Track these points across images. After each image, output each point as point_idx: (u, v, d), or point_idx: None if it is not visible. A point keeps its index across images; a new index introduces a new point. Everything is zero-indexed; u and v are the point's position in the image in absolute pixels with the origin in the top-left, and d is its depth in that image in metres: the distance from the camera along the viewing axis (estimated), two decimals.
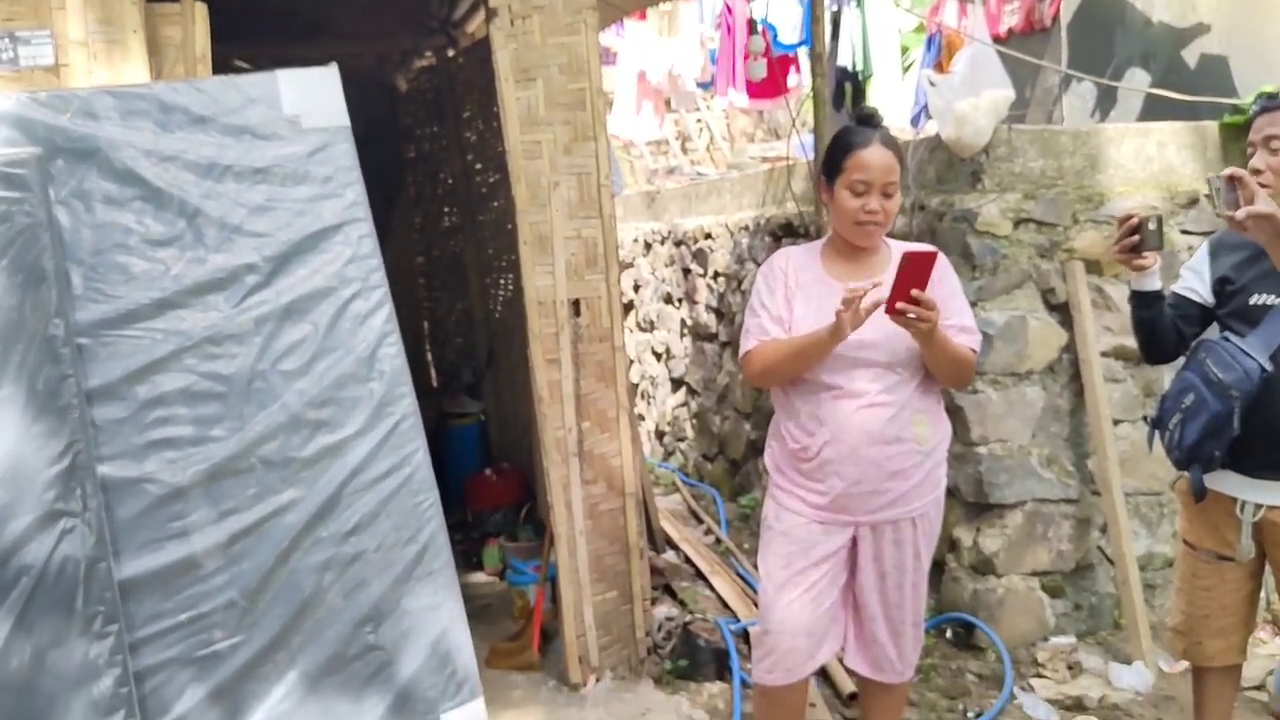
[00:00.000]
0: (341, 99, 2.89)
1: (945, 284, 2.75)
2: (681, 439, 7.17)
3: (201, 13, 3.12)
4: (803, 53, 7.93)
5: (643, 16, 9.86)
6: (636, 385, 8.10)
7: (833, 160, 2.69)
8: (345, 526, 2.76)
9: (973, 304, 3.93)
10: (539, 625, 3.69)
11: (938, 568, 4.15)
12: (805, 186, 5.42)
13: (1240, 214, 2.13)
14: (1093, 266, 4.00)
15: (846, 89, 7.68)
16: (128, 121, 2.66)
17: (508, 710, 3.46)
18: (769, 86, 8.08)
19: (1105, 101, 4.49)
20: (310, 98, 2.86)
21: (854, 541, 2.72)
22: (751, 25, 7.37)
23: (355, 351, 2.82)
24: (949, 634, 3.98)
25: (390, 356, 2.88)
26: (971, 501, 3.96)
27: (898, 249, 2.79)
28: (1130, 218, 2.45)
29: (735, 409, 6.19)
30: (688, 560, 4.88)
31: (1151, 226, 2.44)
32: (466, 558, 5.14)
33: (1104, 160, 4.07)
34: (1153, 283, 2.59)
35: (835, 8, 7.50)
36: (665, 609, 3.87)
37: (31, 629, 2.40)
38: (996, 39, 4.75)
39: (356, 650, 2.77)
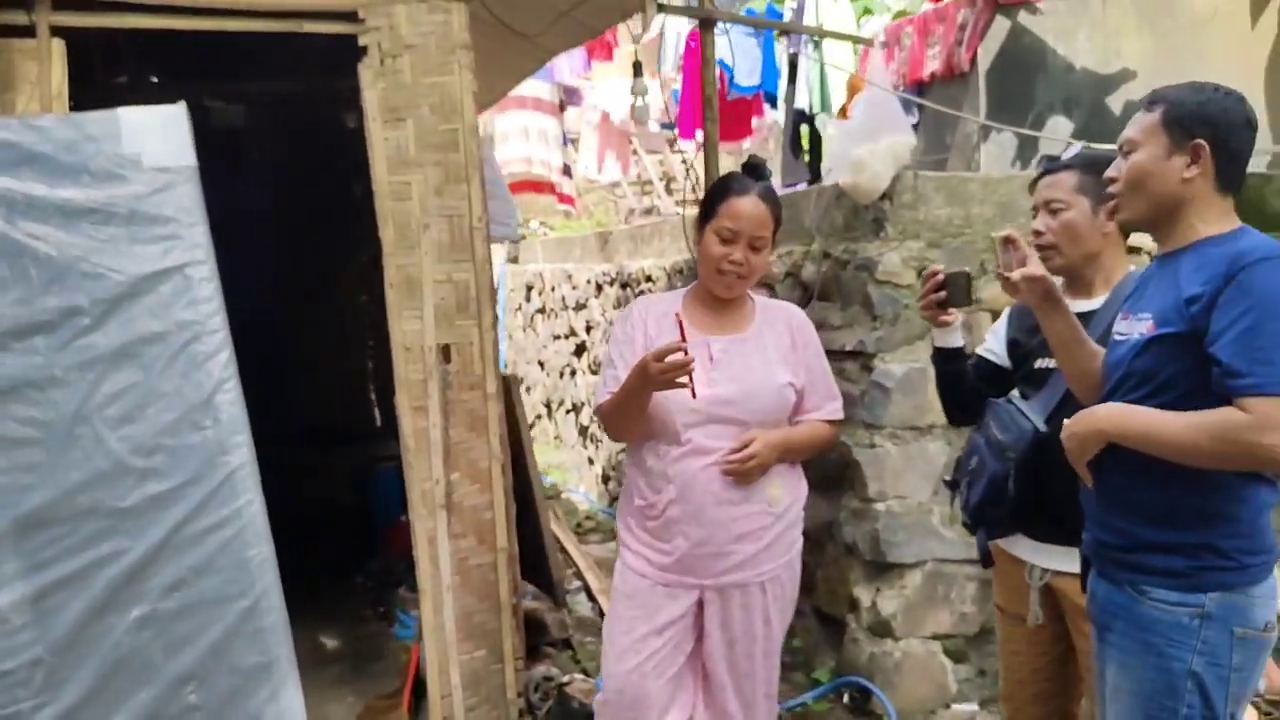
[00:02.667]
0: (188, 138, 2.84)
1: (809, 346, 2.70)
2: None
3: (59, 49, 3.07)
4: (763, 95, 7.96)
5: (609, 57, 9.88)
6: (586, 427, 8.01)
7: (708, 204, 2.65)
8: (169, 580, 2.69)
9: (871, 355, 3.87)
10: (411, 683, 3.58)
11: (838, 628, 4.04)
12: None
13: (1014, 275, 2.15)
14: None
15: (803, 131, 7.68)
16: None
17: None
18: (731, 128, 8.06)
19: (1027, 150, 4.43)
20: (153, 137, 2.81)
21: (701, 606, 2.62)
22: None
23: (189, 397, 2.76)
24: (845, 699, 3.86)
25: (228, 403, 2.81)
26: (870, 560, 3.86)
27: (763, 306, 2.73)
28: (936, 274, 2.41)
29: None
30: (602, 614, 4.77)
31: (960, 284, 2.39)
32: (375, 607, 5.05)
33: (1016, 208, 4.00)
34: (954, 339, 2.56)
35: (793, 50, 7.50)
36: (545, 667, 3.75)
37: None
38: (919, 83, 4.71)
39: (175, 712, 2.68)
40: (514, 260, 11.72)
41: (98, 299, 2.69)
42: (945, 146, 4.76)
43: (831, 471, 4.08)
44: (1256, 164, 2.77)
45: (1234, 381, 1.79)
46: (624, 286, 7.14)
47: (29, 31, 3.05)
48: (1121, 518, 2.03)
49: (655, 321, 2.65)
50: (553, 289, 9.12)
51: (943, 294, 2.45)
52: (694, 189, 12.05)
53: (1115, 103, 4.50)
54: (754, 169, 2.65)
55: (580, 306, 8.13)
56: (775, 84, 7.89)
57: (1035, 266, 2.21)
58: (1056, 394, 2.42)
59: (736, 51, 7.59)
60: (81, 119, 2.77)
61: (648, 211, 12.48)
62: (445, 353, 3.34)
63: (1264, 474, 1.94)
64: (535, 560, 4.45)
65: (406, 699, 3.59)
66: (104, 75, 5.06)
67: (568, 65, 9.84)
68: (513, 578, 3.47)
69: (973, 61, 4.42)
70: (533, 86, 9.47)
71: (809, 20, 7.02)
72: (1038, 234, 2.44)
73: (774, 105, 8.23)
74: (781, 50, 7.77)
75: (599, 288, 7.76)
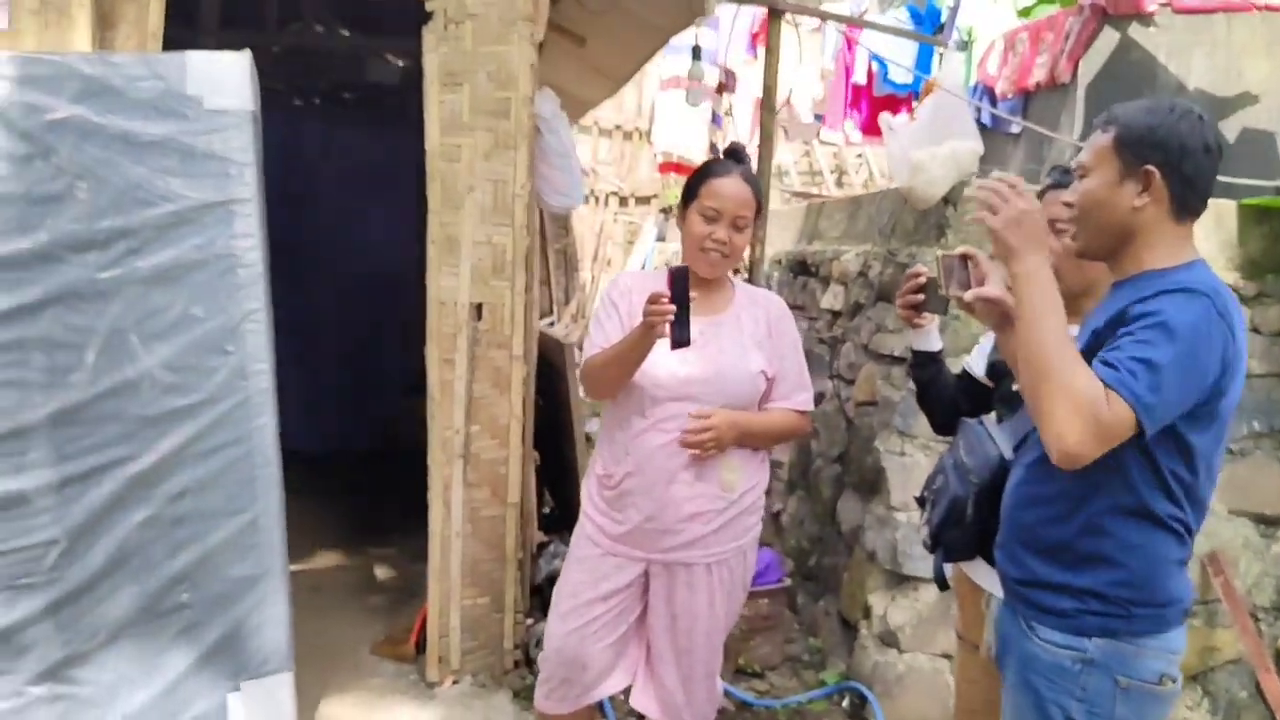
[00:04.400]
0: (248, 85, 3.07)
1: (785, 336, 2.73)
2: None
3: None
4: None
5: (766, 44, 9.85)
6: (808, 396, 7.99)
7: (691, 186, 2.71)
8: (176, 488, 2.95)
9: None
10: (421, 623, 3.77)
11: (853, 633, 4.00)
12: (831, 223, 5.31)
13: (969, 295, 2.02)
14: None
15: None
16: (35, 85, 2.89)
17: (358, 693, 3.56)
18: (876, 123, 7.94)
19: None
20: (216, 81, 3.04)
21: (648, 579, 2.68)
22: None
23: (218, 323, 3.00)
24: (845, 703, 3.83)
25: (253, 332, 3.04)
26: (887, 569, 3.80)
27: (744, 292, 2.76)
28: (918, 275, 2.35)
29: None
30: None
31: (935, 291, 2.32)
32: None
33: None
34: (929, 343, 2.51)
35: (941, 52, 7.30)
36: None
37: None
38: (1025, 91, 4.52)
39: (168, 606, 2.94)
40: (662, 239, 11.86)
41: (147, 224, 2.95)
42: (1043, 158, 4.57)
43: (868, 475, 4.03)
44: None
45: (1109, 373, 1.72)
46: (735, 273, 7.14)
47: None
48: (1022, 548, 1.98)
49: (637, 295, 2.71)
50: None
51: (921, 296, 2.41)
52: (866, 184, 11.79)
53: (1231, 129, 4.19)
54: (734, 154, 2.73)
55: None
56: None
57: (993, 288, 2.13)
58: (1028, 421, 2.35)
59: (892, 50, 7.47)
60: (153, 59, 3.04)
61: (805, 199, 12.38)
62: (478, 310, 3.48)
63: (1168, 524, 1.85)
64: (571, 523, 4.57)
65: (414, 636, 3.78)
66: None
67: (728, 47, 9.85)
68: (523, 534, 3.60)
69: (1074, 72, 4.22)
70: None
71: (963, 19, 6.83)
72: None
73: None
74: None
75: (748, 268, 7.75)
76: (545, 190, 3.93)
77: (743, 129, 10.33)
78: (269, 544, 3.02)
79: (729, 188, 2.62)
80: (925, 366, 2.56)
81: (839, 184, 13.33)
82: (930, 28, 7.71)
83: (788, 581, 4.40)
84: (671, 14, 4.20)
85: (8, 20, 3.22)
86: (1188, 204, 1.88)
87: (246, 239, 3.04)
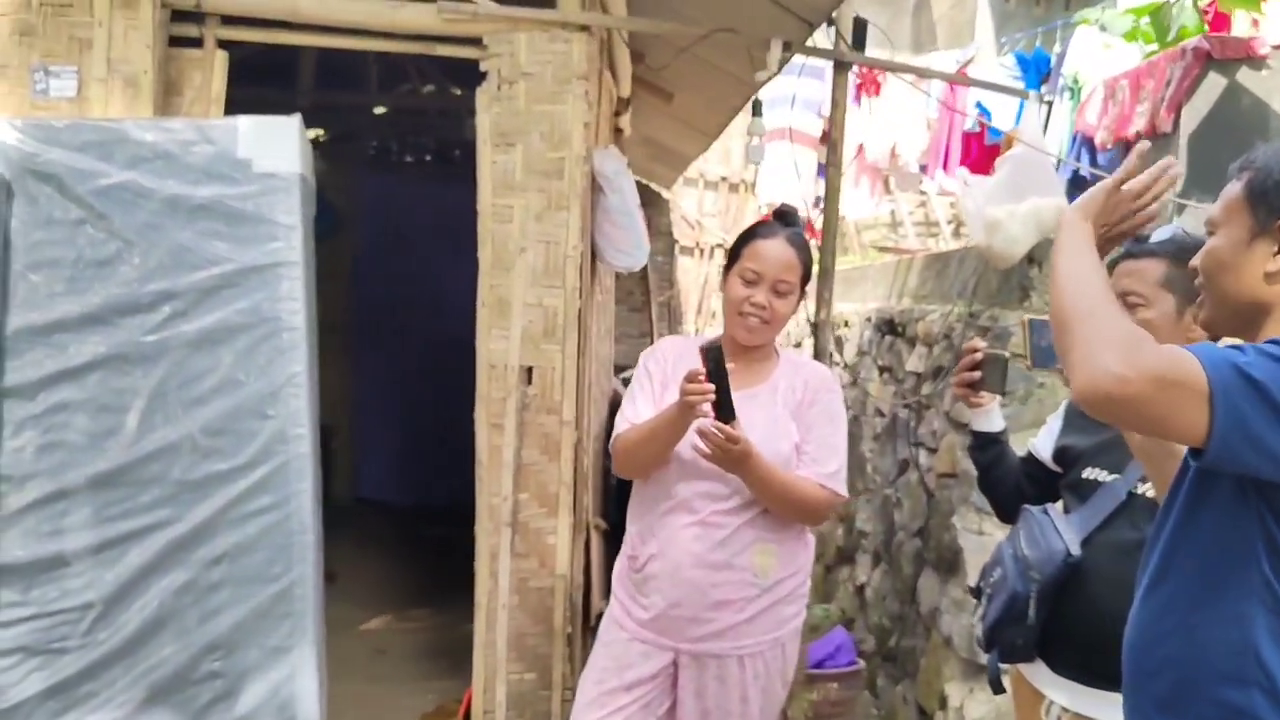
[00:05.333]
0: (297, 148, 3.08)
1: (818, 405, 2.55)
2: None
3: (222, 60, 3.43)
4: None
5: (877, 93, 9.68)
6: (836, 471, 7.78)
7: (734, 248, 2.59)
8: (214, 553, 2.92)
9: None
10: (469, 699, 3.66)
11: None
12: (920, 280, 5.08)
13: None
14: None
15: None
16: (91, 151, 2.97)
17: None
18: (984, 169, 7.70)
19: None
20: (265, 144, 3.06)
21: (677, 671, 2.52)
22: None
23: (259, 387, 2.99)
24: None
25: (294, 397, 3.01)
26: (965, 658, 3.52)
27: (788, 363, 2.60)
28: (975, 350, 2.16)
29: (836, 510, 5.85)
30: None
31: (997, 369, 2.14)
32: None
33: None
34: (991, 423, 2.29)
35: (1048, 99, 7.02)
36: None
37: None
38: (1123, 140, 4.24)
39: (200, 675, 2.91)
40: None
41: (193, 287, 2.97)
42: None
43: (946, 554, 3.78)
44: None
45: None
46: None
47: (197, 42, 3.41)
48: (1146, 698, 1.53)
49: (673, 363, 2.58)
50: None
51: (977, 374, 2.23)
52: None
53: None
54: (783, 215, 2.57)
55: (795, 345, 7.98)
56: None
57: None
58: (1100, 513, 2.11)
59: (996, 97, 7.25)
60: (205, 124, 3.08)
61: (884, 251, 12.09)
62: (528, 374, 3.40)
63: None
64: None
65: (462, 710, 3.68)
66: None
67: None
68: (584, 605, 3.47)
69: (1175, 121, 3.93)
70: (797, 120, 9.44)
71: (1070, 66, 6.55)
72: None
73: None
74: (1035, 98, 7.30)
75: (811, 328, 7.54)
76: (608, 249, 3.86)
77: (846, 179, 10.17)
78: (303, 613, 2.96)
79: (772, 250, 2.48)
80: (986, 449, 2.34)
81: (956, 234, 12.97)
82: (1037, 75, 7.44)
83: (861, 664, 4.15)
84: (741, 64, 4.09)
85: (76, 88, 3.32)
86: None
87: (291, 302, 3.02)
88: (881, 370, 5.30)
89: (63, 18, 3.28)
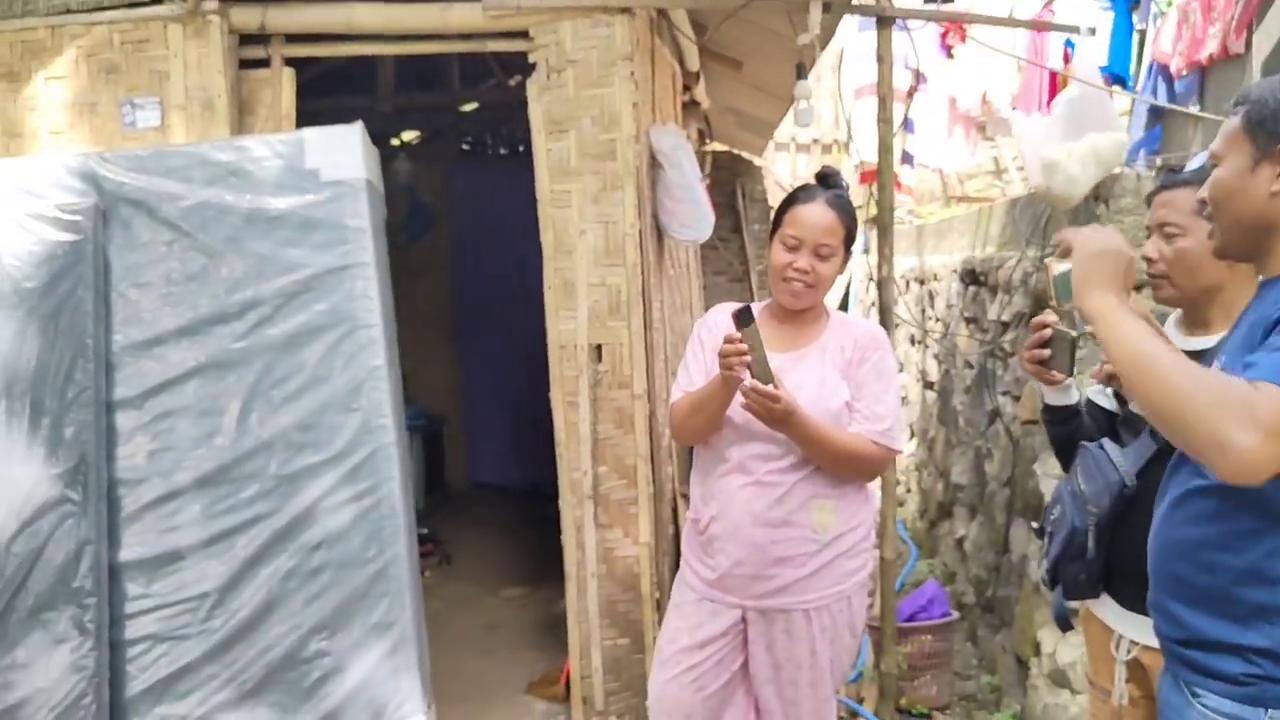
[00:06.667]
0: (360, 154, 3.24)
1: (868, 364, 2.58)
2: (910, 490, 6.82)
3: (289, 76, 3.62)
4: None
5: (963, 39, 9.43)
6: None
7: (777, 215, 2.62)
8: (313, 540, 3.12)
9: None
10: (569, 666, 3.80)
11: (1025, 669, 3.71)
12: (1000, 228, 4.99)
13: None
14: None
15: None
16: (172, 175, 3.20)
17: None
18: None
19: None
20: (331, 153, 3.23)
21: (747, 626, 2.60)
22: None
23: (343, 383, 3.17)
24: None
25: (376, 390, 3.18)
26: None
27: (838, 323, 2.64)
28: (1044, 326, 2.12)
29: (935, 466, 5.81)
30: None
31: (1064, 347, 2.10)
32: None
33: None
34: (1065, 397, 2.24)
35: (1141, 27, 6.74)
36: None
37: (30, 591, 2.97)
38: (1199, 66, 4.06)
39: (309, 654, 3.12)
40: (866, 251, 11.54)
41: (276, 293, 3.16)
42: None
43: (1032, 500, 3.75)
44: None
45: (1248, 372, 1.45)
46: (920, 283, 6.85)
47: (265, 63, 3.61)
48: (1175, 600, 1.67)
49: (723, 330, 2.64)
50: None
51: (1046, 352, 2.15)
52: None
53: None
54: (825, 178, 2.59)
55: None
56: (1126, 67, 7.13)
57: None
58: (1155, 443, 2.11)
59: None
60: (273, 139, 3.27)
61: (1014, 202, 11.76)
62: (598, 352, 3.51)
63: None
64: None
65: (564, 677, 3.82)
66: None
67: (917, 49, 9.51)
68: (655, 573, 3.57)
69: (1248, 42, 3.75)
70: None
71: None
72: (1149, 260, 2.11)
73: (1126, 87, 7.44)
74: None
75: (906, 284, 7.47)
76: (671, 224, 3.92)
77: (939, 129, 9.95)
78: (399, 591, 3.14)
79: (812, 214, 2.52)
80: (1064, 422, 2.29)
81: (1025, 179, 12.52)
82: (1126, 4, 7.14)
83: (955, 615, 4.15)
84: (789, 27, 4.09)
85: (160, 118, 3.55)
86: None
87: (366, 300, 3.19)
88: (968, 321, 5.23)
89: (141, 53, 3.51)
